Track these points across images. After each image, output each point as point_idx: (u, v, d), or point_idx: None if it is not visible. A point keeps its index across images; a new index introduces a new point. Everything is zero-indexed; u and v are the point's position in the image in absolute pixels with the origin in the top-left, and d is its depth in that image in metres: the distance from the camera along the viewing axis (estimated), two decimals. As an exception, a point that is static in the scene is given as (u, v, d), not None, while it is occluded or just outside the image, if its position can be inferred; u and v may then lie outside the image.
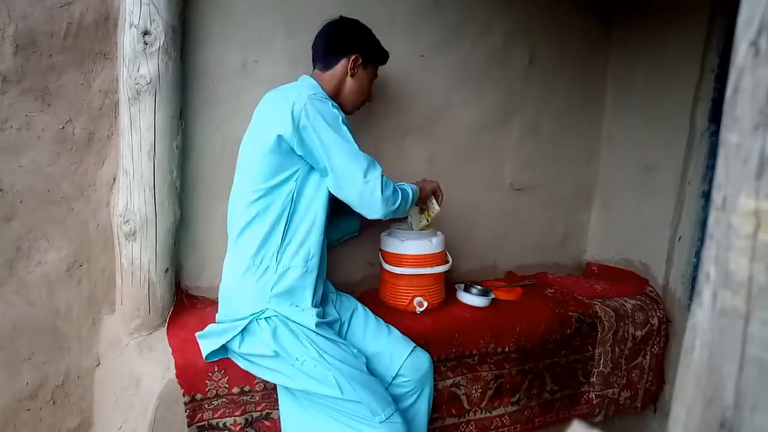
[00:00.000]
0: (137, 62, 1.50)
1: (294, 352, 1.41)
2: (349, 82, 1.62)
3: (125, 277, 1.64)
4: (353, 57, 1.59)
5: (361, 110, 1.94)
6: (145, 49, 1.50)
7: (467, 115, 2.17)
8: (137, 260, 1.61)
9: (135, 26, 1.48)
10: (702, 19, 2.05)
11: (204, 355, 1.46)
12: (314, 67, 1.64)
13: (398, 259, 1.82)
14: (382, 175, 1.44)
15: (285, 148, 1.43)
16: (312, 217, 1.50)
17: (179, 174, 1.65)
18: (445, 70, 2.09)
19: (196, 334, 1.50)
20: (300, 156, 1.45)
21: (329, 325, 1.53)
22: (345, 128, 1.44)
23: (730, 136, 0.41)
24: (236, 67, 1.74)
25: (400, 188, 1.51)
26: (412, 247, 1.81)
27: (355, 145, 1.44)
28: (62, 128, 1.61)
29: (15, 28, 1.49)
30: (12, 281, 1.63)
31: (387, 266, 1.83)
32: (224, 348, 1.47)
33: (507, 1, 2.14)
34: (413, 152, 2.10)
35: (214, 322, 1.54)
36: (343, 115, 1.49)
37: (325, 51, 1.61)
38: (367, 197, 1.43)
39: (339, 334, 1.58)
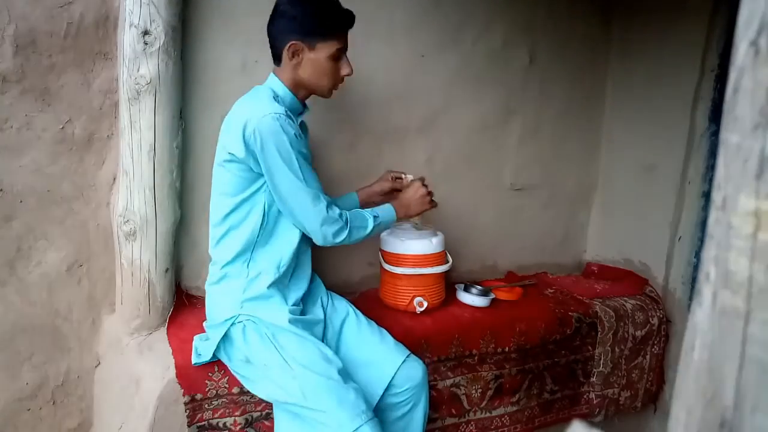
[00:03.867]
0: (137, 62, 1.50)
1: (261, 358, 1.39)
2: (301, 71, 1.45)
3: (125, 277, 1.64)
4: (288, 45, 1.42)
5: (361, 111, 1.94)
6: (145, 49, 1.50)
7: (467, 115, 2.17)
8: (137, 260, 1.61)
9: (135, 26, 1.48)
10: (702, 19, 2.05)
11: (193, 362, 1.47)
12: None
13: (398, 259, 1.82)
14: (327, 211, 1.40)
15: (243, 166, 1.41)
16: (285, 225, 1.48)
17: (179, 174, 1.65)
18: (445, 70, 2.09)
19: (195, 342, 1.52)
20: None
21: (308, 324, 1.49)
22: (293, 156, 1.36)
23: (730, 136, 0.41)
24: (236, 67, 1.74)
25: (354, 225, 1.46)
26: (412, 247, 1.81)
27: (300, 174, 1.37)
28: (62, 128, 1.61)
29: (15, 28, 1.49)
30: (12, 281, 1.63)
31: (387, 266, 1.83)
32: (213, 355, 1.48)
33: (507, 1, 2.14)
34: (413, 152, 2.10)
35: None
36: (296, 140, 1.38)
37: (270, 45, 1.48)
38: (309, 230, 1.43)
39: (324, 337, 1.55)
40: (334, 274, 1.96)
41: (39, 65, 1.54)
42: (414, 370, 1.53)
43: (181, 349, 1.51)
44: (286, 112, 1.39)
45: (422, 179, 1.70)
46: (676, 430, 0.47)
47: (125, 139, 1.56)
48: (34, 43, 1.52)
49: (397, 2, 1.95)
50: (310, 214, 1.40)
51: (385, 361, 1.51)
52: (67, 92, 1.59)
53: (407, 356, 1.54)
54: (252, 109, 1.39)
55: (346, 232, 1.45)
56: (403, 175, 1.77)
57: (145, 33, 1.49)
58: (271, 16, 1.47)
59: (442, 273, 1.86)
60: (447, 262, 1.87)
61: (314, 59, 1.44)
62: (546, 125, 2.34)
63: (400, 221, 1.70)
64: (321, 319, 1.57)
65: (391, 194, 1.76)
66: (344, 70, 1.49)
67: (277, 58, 1.49)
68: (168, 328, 1.64)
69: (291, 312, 1.46)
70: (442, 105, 2.11)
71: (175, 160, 1.62)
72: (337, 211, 1.43)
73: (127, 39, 1.50)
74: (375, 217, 1.53)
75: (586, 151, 2.48)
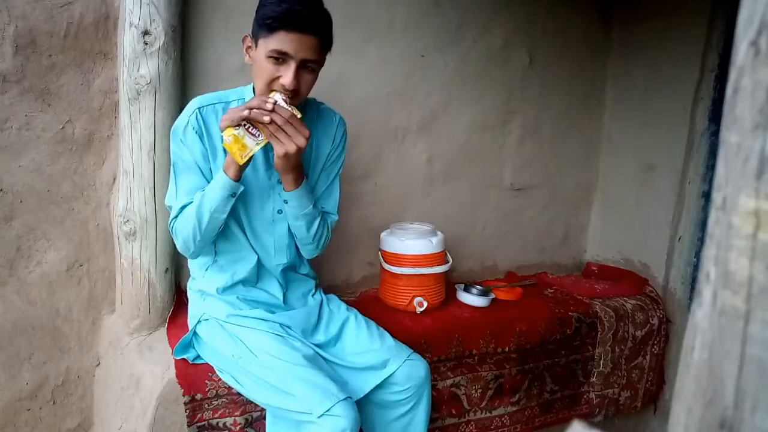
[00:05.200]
0: (137, 62, 1.50)
1: (229, 350, 1.40)
2: (252, 69, 1.33)
3: (125, 277, 1.64)
4: (243, 37, 1.34)
5: (361, 111, 1.93)
6: (145, 49, 1.50)
7: (467, 115, 2.17)
8: (137, 260, 1.61)
9: (135, 26, 1.48)
10: (702, 19, 2.05)
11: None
12: None
13: (398, 259, 1.82)
14: (170, 223, 1.40)
15: None
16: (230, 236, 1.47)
17: (179, 174, 1.65)
18: (445, 70, 2.09)
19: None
20: None
21: (272, 323, 1.46)
22: (176, 165, 1.37)
23: (730, 136, 0.41)
24: (236, 67, 1.74)
25: (185, 224, 1.34)
26: (412, 247, 1.81)
27: (175, 180, 1.38)
28: (62, 128, 1.61)
29: (15, 28, 1.49)
30: (12, 281, 1.63)
31: (387, 266, 1.83)
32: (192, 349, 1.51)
33: (507, 1, 2.14)
34: (413, 152, 2.10)
35: None
36: (175, 142, 1.36)
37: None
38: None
39: (327, 345, 1.51)
40: (334, 274, 1.96)
41: (39, 65, 1.54)
42: (416, 369, 1.50)
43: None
44: (200, 107, 1.36)
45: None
46: (676, 430, 0.47)
47: (125, 139, 1.56)
48: (34, 43, 1.52)
49: (397, 2, 1.95)
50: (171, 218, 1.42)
51: (386, 360, 1.49)
52: (67, 92, 1.60)
53: (409, 355, 1.51)
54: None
55: (179, 241, 1.40)
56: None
57: (145, 33, 1.49)
58: None
59: (442, 273, 1.86)
60: (447, 262, 1.87)
61: (255, 57, 1.29)
62: (546, 125, 2.35)
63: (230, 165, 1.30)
64: (300, 315, 1.52)
65: None
66: (282, 79, 1.25)
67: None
68: (168, 328, 1.64)
69: (254, 311, 1.47)
70: (442, 105, 2.11)
71: (175, 160, 1.62)
72: (172, 221, 1.40)
73: (127, 39, 1.50)
74: (202, 197, 1.31)
75: (586, 151, 2.48)
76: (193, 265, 1.54)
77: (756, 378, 0.40)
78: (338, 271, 1.99)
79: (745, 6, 0.39)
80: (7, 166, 1.57)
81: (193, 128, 1.35)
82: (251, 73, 1.33)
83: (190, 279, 1.57)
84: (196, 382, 1.45)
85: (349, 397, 1.27)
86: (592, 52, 2.38)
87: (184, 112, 1.39)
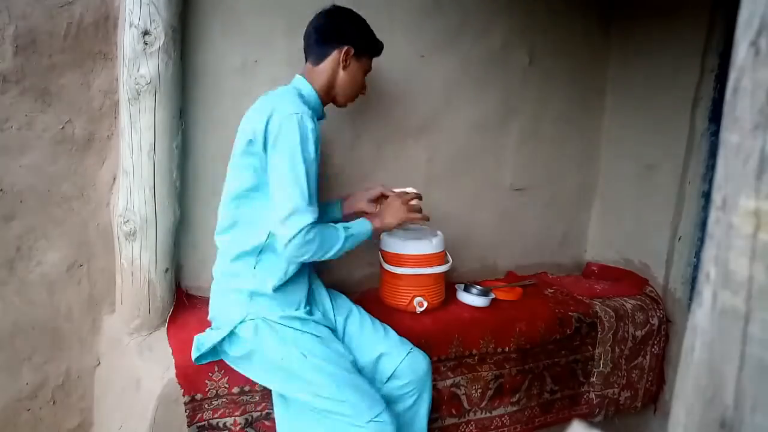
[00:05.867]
0: (137, 62, 1.50)
1: (277, 353, 1.40)
2: (342, 74, 1.54)
3: (125, 277, 1.64)
4: (345, 48, 1.51)
5: (361, 111, 1.94)
6: (145, 49, 1.50)
7: (467, 115, 2.17)
8: (137, 260, 1.61)
9: (135, 26, 1.48)
10: (702, 19, 2.05)
11: (193, 358, 1.46)
12: (306, 60, 1.58)
13: (398, 259, 1.82)
14: (307, 225, 1.35)
15: (256, 156, 1.41)
16: None
17: (179, 174, 1.65)
18: (445, 70, 2.09)
19: (195, 337, 1.51)
20: None
21: (316, 323, 1.51)
22: (301, 162, 1.35)
23: (730, 136, 0.41)
24: (236, 67, 1.74)
25: (325, 241, 1.40)
26: (412, 247, 1.81)
27: (302, 184, 1.35)
28: (62, 128, 1.61)
29: (15, 28, 1.49)
30: (12, 281, 1.63)
31: (387, 266, 1.83)
32: (214, 351, 1.47)
33: (507, 1, 2.14)
34: (413, 152, 2.10)
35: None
36: (311, 145, 1.38)
37: (317, 42, 1.54)
38: (279, 235, 1.39)
39: (334, 334, 1.57)
40: (334, 273, 1.96)
41: (39, 65, 1.54)
42: (418, 363, 1.57)
43: (181, 349, 1.51)
44: (311, 114, 1.40)
45: (406, 192, 1.65)
46: (676, 430, 0.47)
47: (125, 139, 1.56)
48: (34, 43, 1.52)
49: (397, 2, 1.95)
50: (284, 225, 1.36)
51: (389, 353, 1.55)
52: (67, 92, 1.60)
53: (410, 349, 1.58)
54: (280, 104, 1.40)
55: (311, 251, 1.39)
56: (387, 192, 1.68)
57: (145, 33, 1.49)
58: (328, 16, 1.53)
59: (442, 273, 1.86)
60: (447, 262, 1.87)
61: (355, 68, 1.56)
62: (546, 125, 2.35)
63: (380, 232, 1.61)
64: (325, 317, 1.59)
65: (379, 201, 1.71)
66: (365, 87, 1.65)
67: (319, 57, 1.53)
68: (168, 328, 1.64)
69: (305, 313, 1.49)
70: (442, 105, 2.11)
71: (174, 160, 1.62)
72: (311, 231, 1.37)
73: (127, 39, 1.50)
74: (347, 231, 1.47)
75: (586, 151, 2.48)
76: (236, 265, 1.48)
77: (756, 378, 0.40)
78: (338, 271, 1.99)
79: (745, 6, 0.40)
80: (7, 166, 1.57)
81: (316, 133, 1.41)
82: (340, 77, 1.54)
83: (226, 278, 1.50)
84: (196, 382, 1.45)
85: (389, 404, 1.42)
86: (592, 53, 2.38)
87: (301, 117, 1.36)
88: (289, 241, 1.35)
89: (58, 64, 1.57)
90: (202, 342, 1.47)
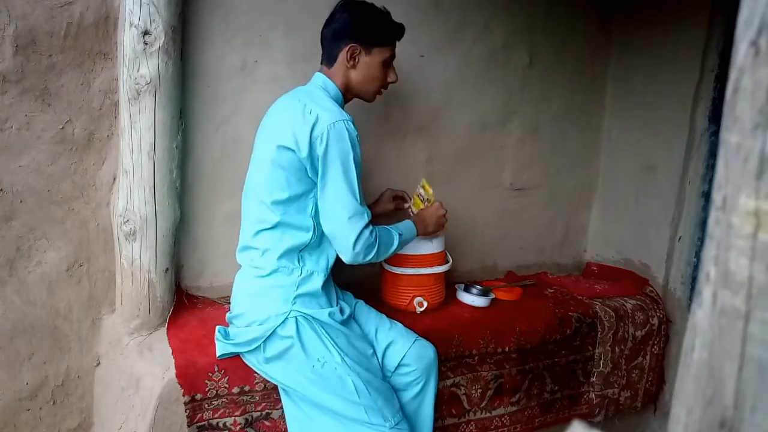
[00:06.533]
0: (137, 62, 1.50)
1: (316, 353, 1.41)
2: (354, 74, 1.53)
3: (125, 277, 1.64)
4: (347, 48, 1.49)
5: (361, 110, 1.93)
6: (145, 49, 1.50)
7: (467, 115, 2.17)
8: (137, 260, 1.61)
9: (135, 26, 1.48)
10: (702, 19, 2.05)
11: (218, 354, 1.48)
12: (321, 62, 1.58)
13: (398, 259, 1.82)
14: (366, 227, 1.42)
15: (299, 165, 1.42)
16: None
17: (179, 174, 1.65)
18: (445, 70, 2.09)
19: (218, 329, 1.52)
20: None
21: (349, 321, 1.55)
22: (353, 168, 1.41)
23: (730, 136, 0.41)
24: (236, 67, 1.74)
25: (383, 242, 1.48)
26: (413, 247, 1.80)
27: (355, 189, 1.42)
28: (62, 128, 1.61)
29: (15, 28, 1.49)
30: (12, 281, 1.63)
31: (387, 266, 1.84)
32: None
33: (507, 1, 2.14)
34: (413, 152, 2.10)
35: (220, 322, 1.57)
36: (359, 154, 1.44)
37: (324, 45, 1.54)
38: (341, 242, 1.43)
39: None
40: (334, 273, 1.96)
41: (39, 65, 1.54)
42: (424, 350, 1.60)
43: (181, 349, 1.51)
44: (351, 117, 1.43)
45: (440, 203, 1.74)
46: (676, 430, 0.47)
47: (125, 139, 1.56)
48: (34, 43, 1.52)
49: (397, 2, 1.95)
50: (347, 229, 1.41)
51: (396, 342, 1.57)
52: (67, 92, 1.59)
53: (417, 338, 1.62)
54: (320, 110, 1.40)
55: (375, 251, 1.46)
56: (405, 196, 1.82)
57: (145, 33, 1.49)
58: (328, 19, 1.53)
59: (442, 273, 1.86)
60: (447, 262, 1.87)
61: (369, 63, 1.52)
62: (546, 125, 2.34)
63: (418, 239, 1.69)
64: (346, 315, 1.60)
65: (393, 214, 1.81)
66: (391, 77, 1.59)
67: (330, 59, 1.53)
68: (168, 328, 1.64)
69: (340, 312, 1.51)
70: (442, 105, 2.11)
71: (174, 159, 1.62)
72: (373, 231, 1.45)
73: (127, 39, 1.50)
74: (400, 234, 1.55)
75: (586, 151, 2.48)
76: (280, 263, 1.47)
77: (756, 378, 0.40)
78: (338, 271, 1.98)
79: (745, 6, 0.40)
80: (7, 166, 1.57)
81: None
82: (354, 75, 1.52)
83: (266, 276, 1.48)
84: (196, 382, 1.45)
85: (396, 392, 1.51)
86: (592, 53, 2.38)
87: (348, 123, 1.41)
88: (355, 242, 1.41)
89: (58, 64, 1.57)
90: (235, 337, 1.46)
